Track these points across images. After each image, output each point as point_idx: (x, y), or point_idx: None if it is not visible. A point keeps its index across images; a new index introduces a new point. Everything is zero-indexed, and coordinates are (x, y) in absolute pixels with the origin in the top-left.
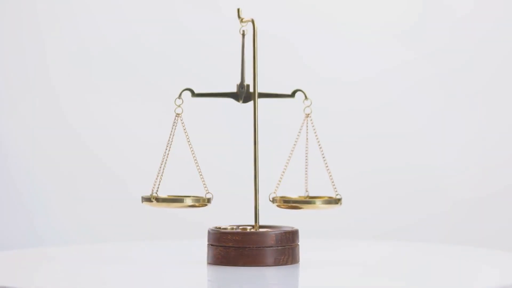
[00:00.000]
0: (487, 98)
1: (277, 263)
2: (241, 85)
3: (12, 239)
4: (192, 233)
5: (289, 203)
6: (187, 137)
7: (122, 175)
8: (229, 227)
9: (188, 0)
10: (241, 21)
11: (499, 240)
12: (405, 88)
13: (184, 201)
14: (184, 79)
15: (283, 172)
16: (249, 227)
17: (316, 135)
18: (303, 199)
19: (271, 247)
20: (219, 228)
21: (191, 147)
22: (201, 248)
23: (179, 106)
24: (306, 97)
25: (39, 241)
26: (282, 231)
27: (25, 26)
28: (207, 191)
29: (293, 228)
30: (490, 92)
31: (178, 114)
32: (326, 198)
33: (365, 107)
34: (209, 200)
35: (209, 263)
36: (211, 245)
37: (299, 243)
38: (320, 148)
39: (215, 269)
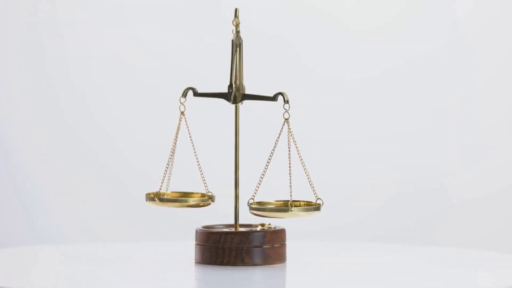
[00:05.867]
0: (487, 97)
1: (264, 263)
2: (230, 86)
3: (11, 238)
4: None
5: (263, 211)
6: (190, 135)
7: (122, 175)
8: (216, 227)
9: (189, 0)
10: (236, 21)
11: (499, 241)
12: (405, 88)
13: (188, 200)
14: (184, 79)
15: (261, 178)
16: (237, 227)
17: (294, 140)
18: (281, 204)
19: (258, 246)
20: (207, 227)
21: (193, 145)
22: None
23: (182, 103)
24: (285, 101)
25: (38, 240)
26: (269, 231)
27: (25, 26)
28: (207, 190)
29: (280, 227)
30: (490, 92)
31: (182, 112)
32: (305, 205)
33: (365, 107)
34: (211, 198)
35: (197, 263)
36: (198, 244)
37: (286, 243)
38: (299, 153)
39: (203, 269)
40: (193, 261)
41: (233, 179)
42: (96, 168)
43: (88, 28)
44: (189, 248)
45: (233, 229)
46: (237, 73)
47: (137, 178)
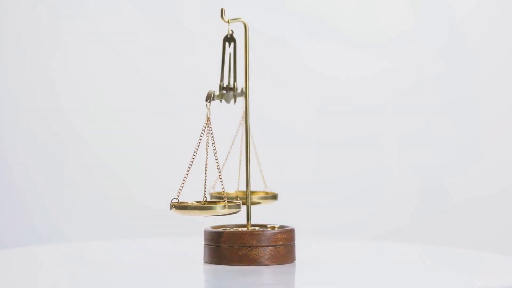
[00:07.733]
0: (487, 97)
1: (273, 262)
2: (220, 86)
3: (11, 237)
4: (194, 231)
5: (185, 209)
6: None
7: (121, 174)
8: (226, 227)
9: (189, 0)
10: (227, 21)
11: (499, 241)
12: (405, 88)
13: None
14: (184, 79)
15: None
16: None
17: (212, 139)
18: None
19: (267, 246)
20: (215, 227)
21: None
22: (199, 247)
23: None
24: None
25: (38, 240)
26: (278, 231)
27: (25, 26)
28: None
29: (289, 227)
30: (490, 92)
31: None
32: (224, 203)
33: (365, 107)
34: (275, 197)
35: (205, 263)
36: (207, 245)
37: (295, 242)
38: (215, 152)
39: (212, 269)
40: (202, 261)
41: (245, 178)
42: (96, 168)
43: (88, 28)
44: (198, 247)
45: (241, 229)
46: (229, 74)
47: (138, 178)
